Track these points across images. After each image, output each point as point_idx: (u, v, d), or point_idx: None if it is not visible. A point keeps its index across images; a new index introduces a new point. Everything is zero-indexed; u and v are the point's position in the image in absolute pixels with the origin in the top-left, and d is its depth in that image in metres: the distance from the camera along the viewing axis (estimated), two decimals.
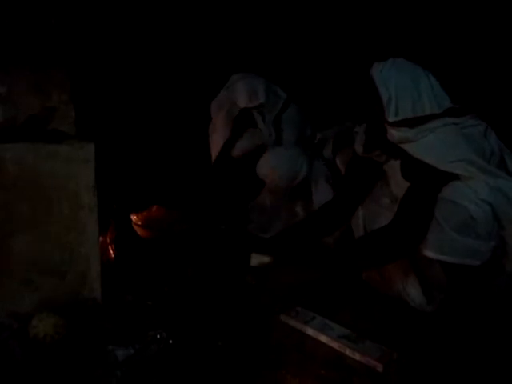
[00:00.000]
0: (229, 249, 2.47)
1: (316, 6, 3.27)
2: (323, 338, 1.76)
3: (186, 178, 3.12)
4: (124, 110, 3.18)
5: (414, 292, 1.98)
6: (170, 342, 1.65)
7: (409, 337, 1.81)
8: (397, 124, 1.82)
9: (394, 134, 1.83)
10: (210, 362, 1.64)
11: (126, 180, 2.94)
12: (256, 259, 2.01)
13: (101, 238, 2.08)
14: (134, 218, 2.62)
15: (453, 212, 1.73)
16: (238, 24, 3.29)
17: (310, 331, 1.80)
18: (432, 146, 1.80)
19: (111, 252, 2.30)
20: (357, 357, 1.67)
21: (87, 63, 2.86)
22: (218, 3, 3.26)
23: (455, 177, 1.77)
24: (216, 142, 2.80)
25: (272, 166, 2.53)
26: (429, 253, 1.78)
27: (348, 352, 1.70)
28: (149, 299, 1.94)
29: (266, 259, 2.01)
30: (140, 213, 2.64)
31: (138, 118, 3.27)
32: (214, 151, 2.82)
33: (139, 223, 2.61)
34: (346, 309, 1.95)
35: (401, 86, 1.81)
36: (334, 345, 1.73)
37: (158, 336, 1.65)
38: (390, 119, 1.81)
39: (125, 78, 3.15)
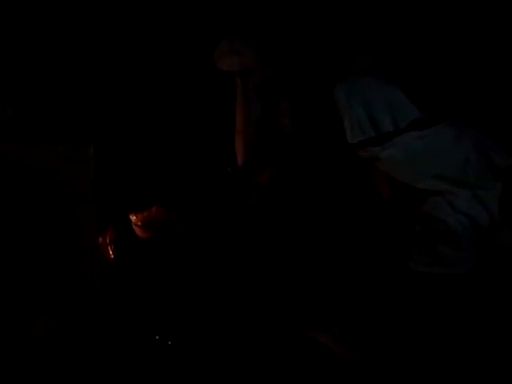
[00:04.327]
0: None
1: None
2: (322, 339, 1.76)
3: (185, 178, 3.12)
4: (123, 111, 3.18)
5: None
6: (169, 343, 1.65)
7: (406, 336, 1.81)
8: (360, 145, 1.82)
9: (361, 154, 1.83)
10: (210, 363, 1.64)
11: (125, 180, 2.93)
12: None
13: (100, 239, 2.08)
14: (133, 218, 2.62)
15: (433, 227, 1.76)
16: (238, 24, 3.29)
17: (310, 332, 1.80)
18: (400, 163, 1.80)
19: (111, 252, 2.29)
20: (356, 357, 1.68)
21: (87, 64, 2.86)
22: (217, 3, 3.26)
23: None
24: None
25: None
26: (414, 266, 1.80)
27: (347, 352, 1.70)
28: (148, 299, 1.94)
29: None
30: (140, 213, 2.64)
31: (137, 119, 3.27)
32: None
33: (139, 223, 2.60)
34: (344, 310, 1.95)
35: (361, 106, 1.80)
36: (333, 345, 1.74)
37: (157, 337, 1.65)
38: (350, 141, 1.82)
39: (124, 79, 3.15)
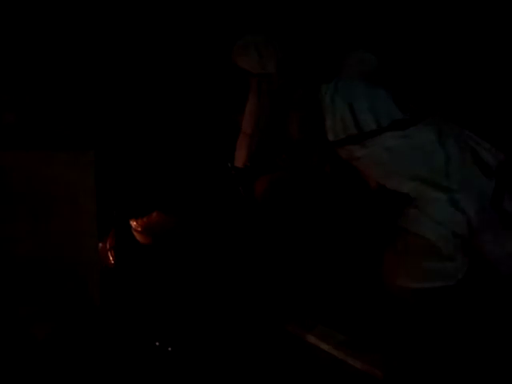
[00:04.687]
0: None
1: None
2: (324, 346, 1.76)
3: (185, 183, 3.11)
4: (124, 116, 3.18)
5: None
6: (169, 349, 1.64)
7: (409, 344, 1.80)
8: (339, 143, 1.81)
9: (340, 152, 1.83)
10: (210, 369, 1.63)
11: (125, 186, 2.93)
12: None
13: (100, 244, 2.08)
14: (133, 223, 2.62)
15: (412, 242, 1.73)
16: (238, 24, 3.29)
17: (311, 339, 1.79)
18: (378, 163, 1.78)
19: (111, 258, 2.29)
20: (358, 364, 1.67)
21: (86, 69, 2.86)
22: (217, 4, 3.26)
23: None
24: None
25: None
26: (401, 282, 1.76)
27: (349, 360, 1.69)
28: (148, 305, 1.94)
29: None
30: (140, 219, 2.63)
31: (138, 125, 3.27)
32: None
33: (139, 229, 2.60)
34: (346, 316, 1.95)
35: (345, 106, 1.80)
36: (335, 352, 1.73)
37: (157, 343, 1.64)
38: (331, 139, 1.81)
39: (125, 85, 3.15)
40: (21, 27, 2.50)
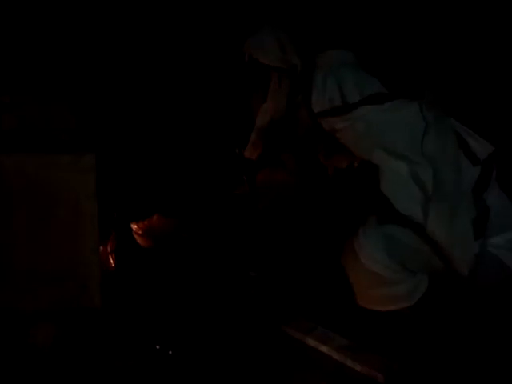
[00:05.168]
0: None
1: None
2: (324, 349, 1.75)
3: (186, 186, 3.12)
4: (125, 119, 3.19)
5: None
6: (170, 352, 1.64)
7: (409, 347, 1.80)
8: (322, 114, 1.85)
9: (323, 124, 1.87)
10: (210, 372, 1.63)
11: (126, 189, 2.93)
12: None
13: (101, 248, 2.08)
14: (134, 227, 2.62)
15: (355, 275, 1.76)
16: (237, 25, 3.30)
17: (311, 341, 1.79)
18: (356, 136, 1.80)
19: (111, 261, 2.29)
20: (358, 367, 1.66)
21: (87, 72, 2.87)
22: (217, 4, 3.27)
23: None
24: None
25: None
26: (363, 304, 1.80)
27: (349, 362, 1.69)
28: (149, 308, 1.94)
29: None
30: (141, 222, 2.64)
31: (139, 127, 3.28)
32: None
33: (140, 232, 2.60)
34: (346, 319, 1.94)
35: (326, 86, 1.84)
36: (335, 355, 1.72)
37: (158, 346, 1.64)
38: (315, 110, 1.86)
39: (126, 88, 3.16)
40: (21, 29, 2.51)
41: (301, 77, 2.23)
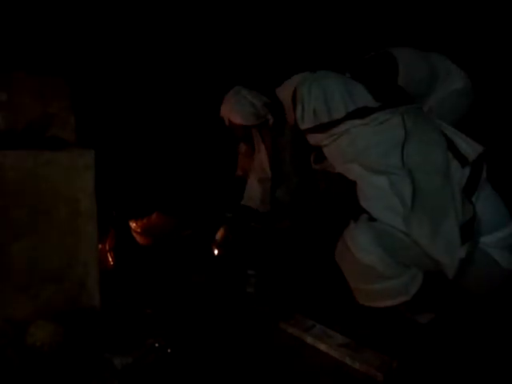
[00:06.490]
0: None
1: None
2: (323, 347, 1.76)
3: (185, 185, 3.12)
4: (124, 117, 3.19)
5: None
6: (169, 350, 1.64)
7: (408, 345, 1.80)
8: (309, 131, 1.90)
9: (309, 139, 1.94)
10: (209, 369, 1.63)
11: (125, 187, 2.93)
12: None
13: (100, 246, 2.07)
14: (133, 225, 2.62)
15: (350, 270, 1.76)
16: (237, 26, 3.30)
17: (310, 339, 1.79)
18: (338, 151, 1.86)
19: (110, 259, 2.29)
20: (356, 365, 1.66)
21: (87, 70, 2.87)
22: (217, 5, 3.27)
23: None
24: None
25: None
26: (361, 302, 1.80)
27: (348, 360, 1.69)
28: (148, 307, 1.93)
29: None
30: (139, 220, 2.64)
31: (138, 125, 3.28)
32: None
33: (138, 230, 2.61)
34: (345, 317, 1.95)
35: (310, 96, 1.87)
36: (334, 353, 1.73)
37: (157, 344, 1.64)
38: (301, 127, 1.91)
39: (125, 86, 3.16)
40: (22, 28, 2.51)
41: (276, 123, 2.51)
